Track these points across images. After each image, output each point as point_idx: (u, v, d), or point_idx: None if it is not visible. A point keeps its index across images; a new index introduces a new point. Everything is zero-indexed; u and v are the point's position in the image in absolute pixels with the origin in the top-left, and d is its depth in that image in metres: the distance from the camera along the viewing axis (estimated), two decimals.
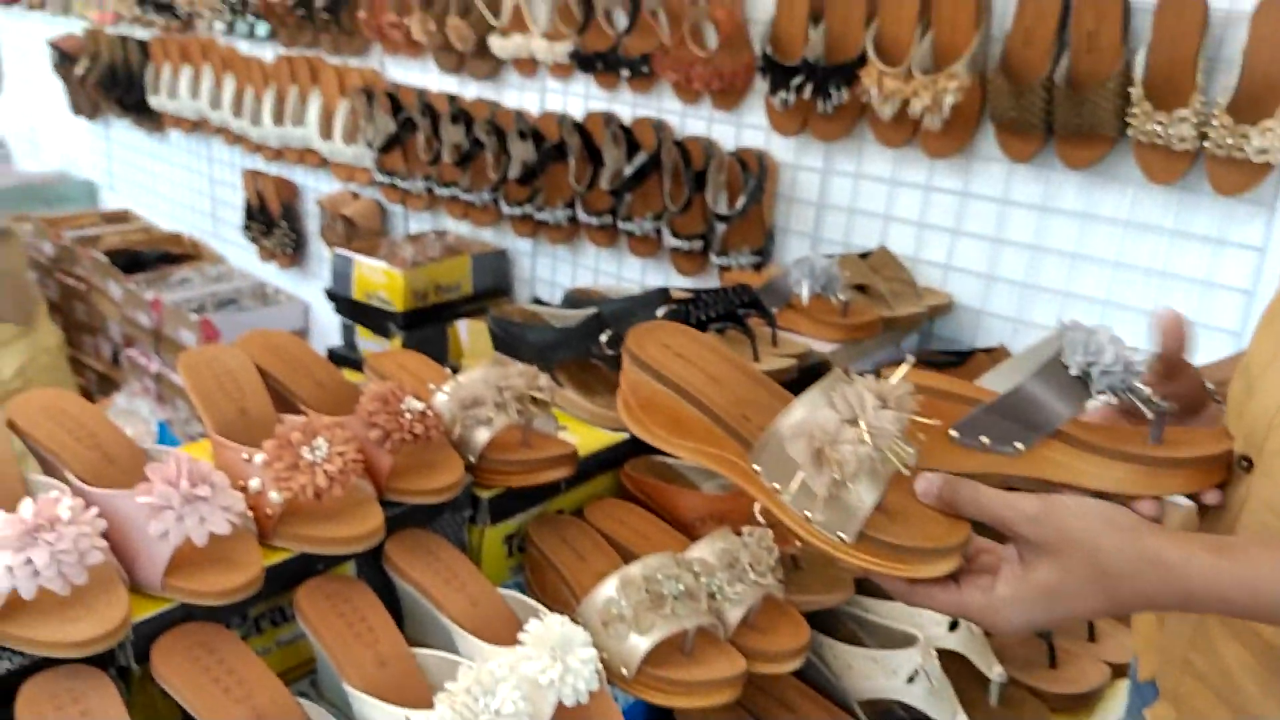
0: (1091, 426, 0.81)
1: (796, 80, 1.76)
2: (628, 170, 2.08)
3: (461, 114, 2.37)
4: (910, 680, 1.04)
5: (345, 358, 2.46)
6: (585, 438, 1.17)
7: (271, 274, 3.31)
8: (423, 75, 2.59)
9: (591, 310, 1.29)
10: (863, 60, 1.69)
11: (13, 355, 3.02)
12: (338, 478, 0.86)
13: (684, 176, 2.00)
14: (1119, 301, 1.59)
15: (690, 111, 2.07)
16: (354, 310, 2.43)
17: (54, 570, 0.72)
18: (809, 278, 1.50)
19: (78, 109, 3.98)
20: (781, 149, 1.94)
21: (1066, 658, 1.22)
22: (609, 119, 2.15)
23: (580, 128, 2.16)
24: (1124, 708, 1.05)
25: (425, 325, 2.36)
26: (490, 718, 0.75)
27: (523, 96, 2.37)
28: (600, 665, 0.85)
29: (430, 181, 2.50)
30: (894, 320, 1.61)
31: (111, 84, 3.57)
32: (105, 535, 0.78)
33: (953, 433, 0.80)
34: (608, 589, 0.93)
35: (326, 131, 2.78)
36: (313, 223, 3.07)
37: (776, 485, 0.70)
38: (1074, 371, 0.80)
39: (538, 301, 2.40)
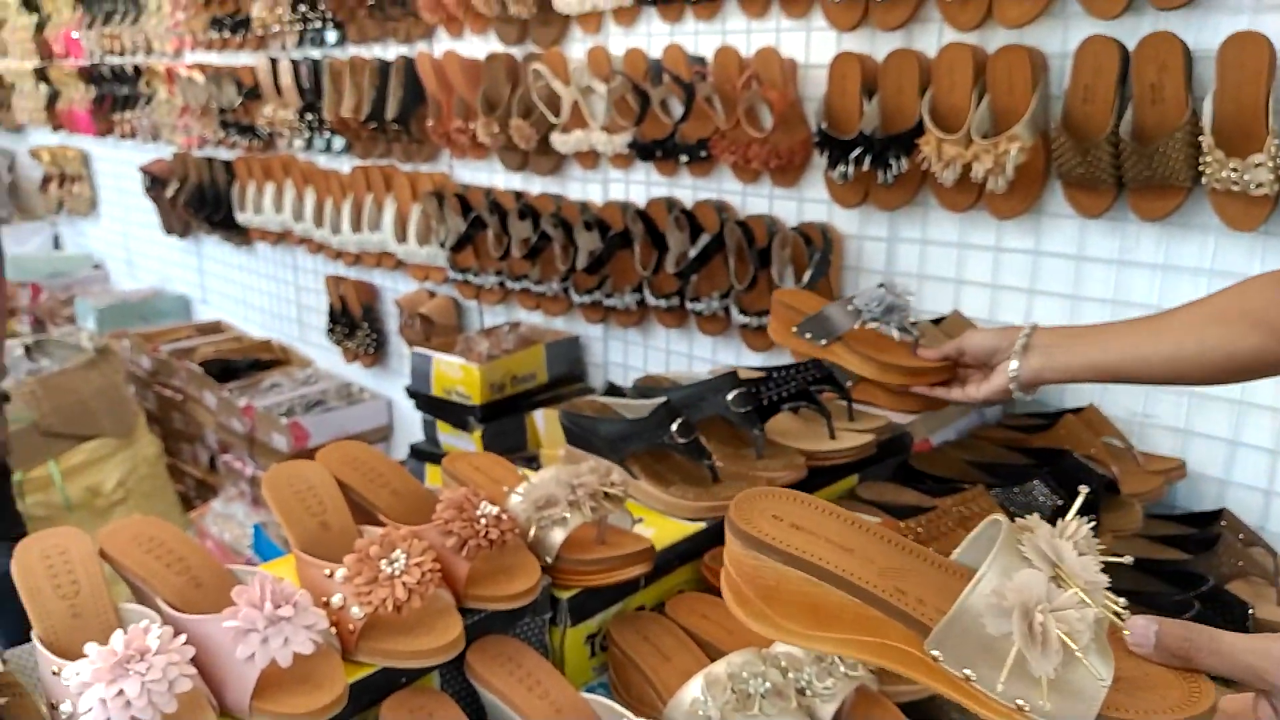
0: (862, 337, 1.42)
1: (855, 153, 1.76)
2: (692, 252, 2.10)
3: (528, 209, 2.43)
4: None
5: (428, 453, 2.50)
6: (662, 530, 1.16)
7: (356, 374, 3.41)
8: (490, 175, 2.67)
9: (661, 400, 1.29)
10: (920, 129, 1.68)
11: (114, 467, 3.15)
12: (416, 589, 0.86)
13: (748, 254, 2.01)
14: None
15: (751, 191, 2.08)
16: (434, 406, 2.47)
17: (144, 700, 0.73)
18: (868, 308, 1.46)
19: (169, 229, 4.19)
20: (844, 221, 1.94)
21: None
22: (671, 204, 2.18)
23: (643, 214, 2.19)
24: None
25: (503, 416, 2.39)
26: None
27: (586, 188, 2.42)
28: None
29: (502, 276, 2.56)
30: None
31: (200, 203, 3.75)
32: (194, 660, 0.79)
33: (794, 329, 1.47)
34: (693, 689, 0.90)
35: (401, 235, 2.88)
36: (392, 322, 3.16)
37: (969, 673, 0.59)
38: (849, 307, 1.45)
39: (612, 387, 2.41)
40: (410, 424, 2.99)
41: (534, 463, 2.26)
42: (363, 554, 0.88)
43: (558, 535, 1.02)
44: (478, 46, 2.55)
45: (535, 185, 2.55)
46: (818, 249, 1.91)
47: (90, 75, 4.41)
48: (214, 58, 3.62)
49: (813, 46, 1.91)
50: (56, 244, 5.49)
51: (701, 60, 2.05)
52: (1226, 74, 1.39)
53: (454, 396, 2.40)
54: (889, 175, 1.74)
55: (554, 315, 2.55)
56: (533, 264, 2.44)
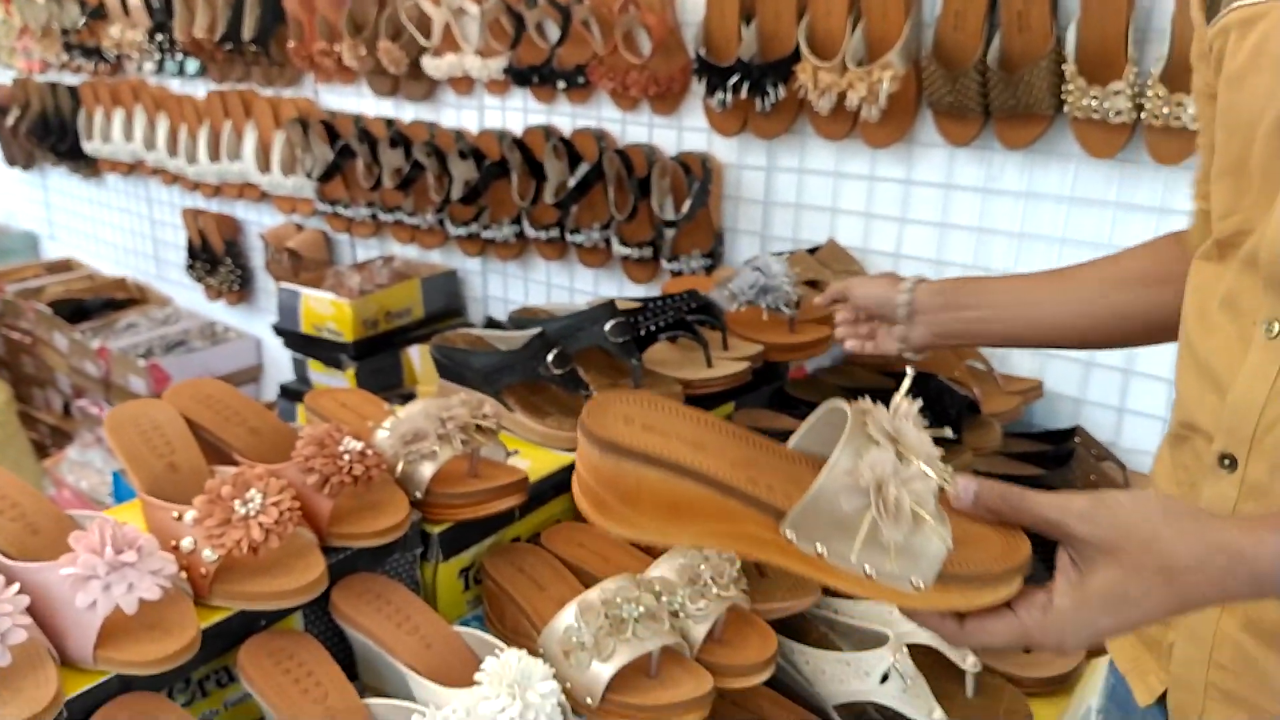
0: (743, 319, 1.47)
1: (732, 80, 1.74)
2: (571, 182, 2.06)
3: (400, 137, 2.34)
4: (883, 680, 1.01)
5: (299, 393, 2.41)
6: (538, 461, 1.15)
7: (220, 312, 3.25)
8: (358, 101, 2.55)
9: (536, 330, 1.26)
10: (797, 56, 1.67)
11: None
12: (274, 529, 0.82)
13: (628, 185, 1.98)
14: None
15: (630, 119, 2.04)
16: (304, 344, 2.38)
17: None
18: (743, 292, 1.47)
19: (11, 160, 3.89)
20: (724, 150, 1.93)
21: None
22: (549, 132, 2.13)
23: (520, 143, 2.13)
24: (1101, 686, 1.04)
25: (378, 354, 2.32)
26: None
27: (460, 115, 2.34)
28: (563, 697, 0.82)
29: (374, 207, 2.46)
30: None
31: (44, 132, 3.49)
32: (30, 611, 0.74)
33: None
34: (567, 617, 0.90)
35: (264, 165, 2.73)
36: (257, 257, 3.01)
37: (821, 548, 0.63)
38: (725, 292, 1.47)
39: (491, 321, 2.37)
40: (281, 364, 2.88)
41: (411, 400, 2.20)
42: (213, 495, 0.83)
43: (427, 469, 0.99)
44: None
45: (407, 112, 2.44)
46: (697, 179, 1.90)
47: None
48: None
49: None
50: None
51: None
52: (1090, 3, 1.41)
53: (325, 334, 2.31)
54: (767, 103, 1.73)
55: (429, 248, 2.47)
56: (406, 195, 2.35)
